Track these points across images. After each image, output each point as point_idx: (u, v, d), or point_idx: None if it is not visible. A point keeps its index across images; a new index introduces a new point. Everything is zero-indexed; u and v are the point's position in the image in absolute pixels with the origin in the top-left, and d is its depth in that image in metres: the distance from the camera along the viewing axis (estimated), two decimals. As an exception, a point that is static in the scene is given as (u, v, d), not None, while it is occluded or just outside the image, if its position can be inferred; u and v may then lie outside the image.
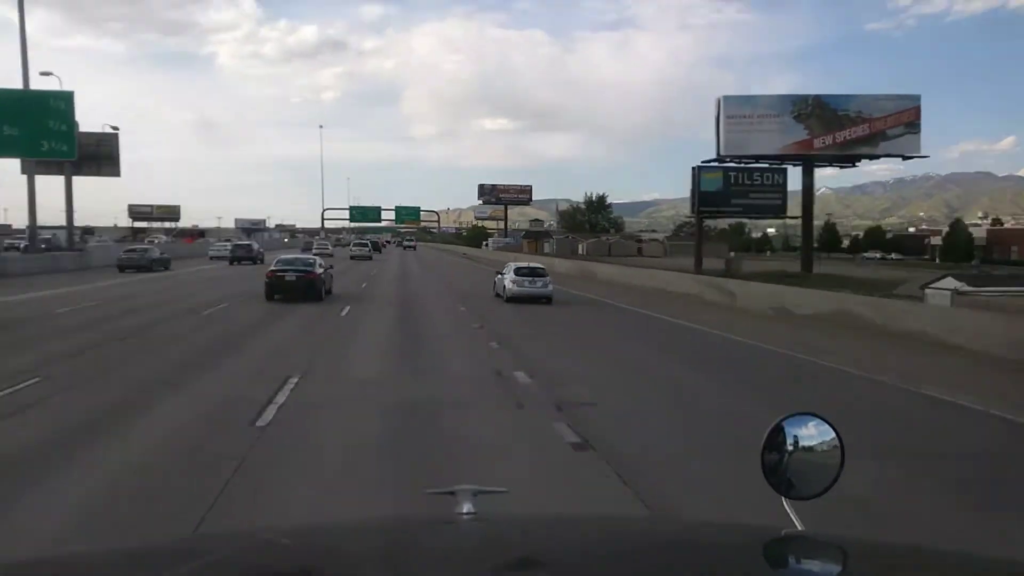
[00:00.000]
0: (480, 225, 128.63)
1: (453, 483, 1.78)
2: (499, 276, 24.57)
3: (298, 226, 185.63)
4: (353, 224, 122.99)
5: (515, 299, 22.31)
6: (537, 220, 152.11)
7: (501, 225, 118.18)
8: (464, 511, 1.69)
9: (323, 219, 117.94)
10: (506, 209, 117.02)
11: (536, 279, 22.85)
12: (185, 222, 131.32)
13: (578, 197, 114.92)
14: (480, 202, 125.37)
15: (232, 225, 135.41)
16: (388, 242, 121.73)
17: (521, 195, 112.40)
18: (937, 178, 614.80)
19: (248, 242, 51.85)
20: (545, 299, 22.47)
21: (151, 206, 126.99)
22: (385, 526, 1.97)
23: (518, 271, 23.37)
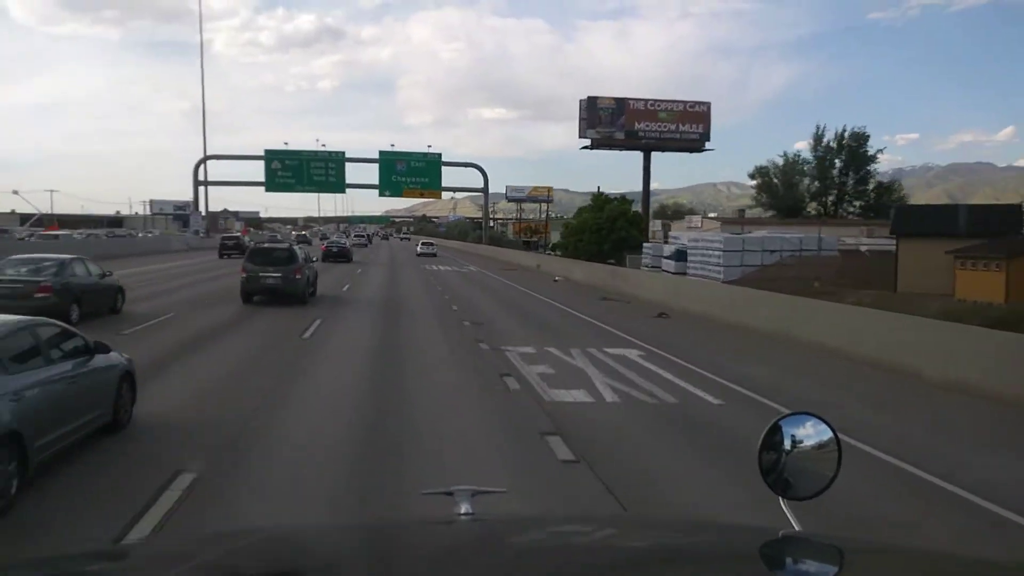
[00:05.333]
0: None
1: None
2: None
3: (290, 216, 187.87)
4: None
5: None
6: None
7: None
8: (462, 512, 1.73)
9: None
10: (519, 207, 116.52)
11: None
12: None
13: (579, 188, 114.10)
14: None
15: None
16: (379, 235, 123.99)
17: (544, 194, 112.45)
18: (937, 168, 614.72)
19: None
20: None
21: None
22: (384, 527, 2.05)
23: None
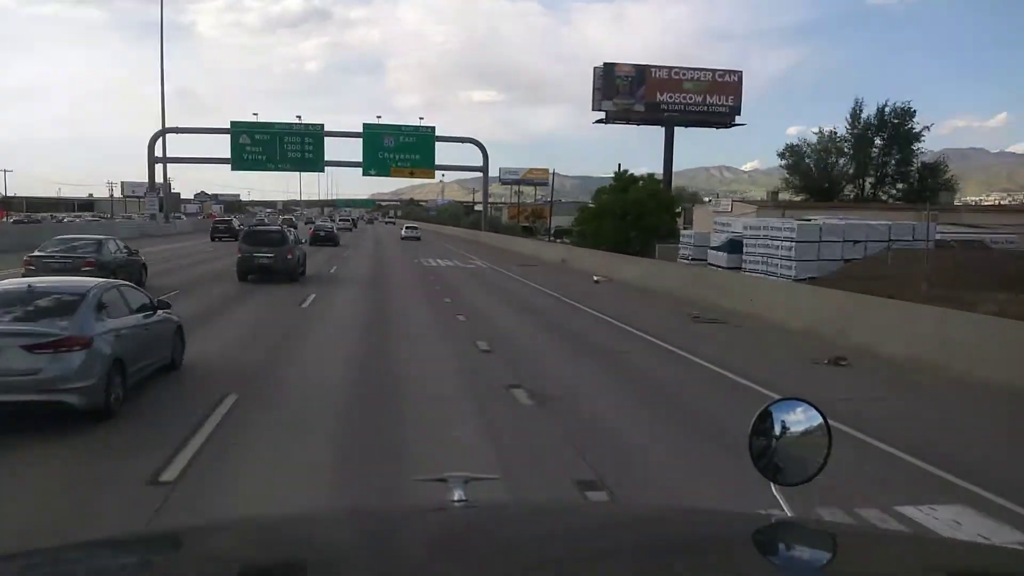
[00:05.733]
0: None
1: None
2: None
3: (270, 200, 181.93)
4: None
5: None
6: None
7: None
8: (455, 498, 1.71)
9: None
10: (519, 190, 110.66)
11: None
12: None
13: (570, 171, 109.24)
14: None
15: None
16: (364, 219, 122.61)
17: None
18: (929, 153, 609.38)
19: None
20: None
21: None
22: (377, 514, 1.99)
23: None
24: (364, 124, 59.92)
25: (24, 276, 12.55)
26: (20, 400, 6.72)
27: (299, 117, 61.03)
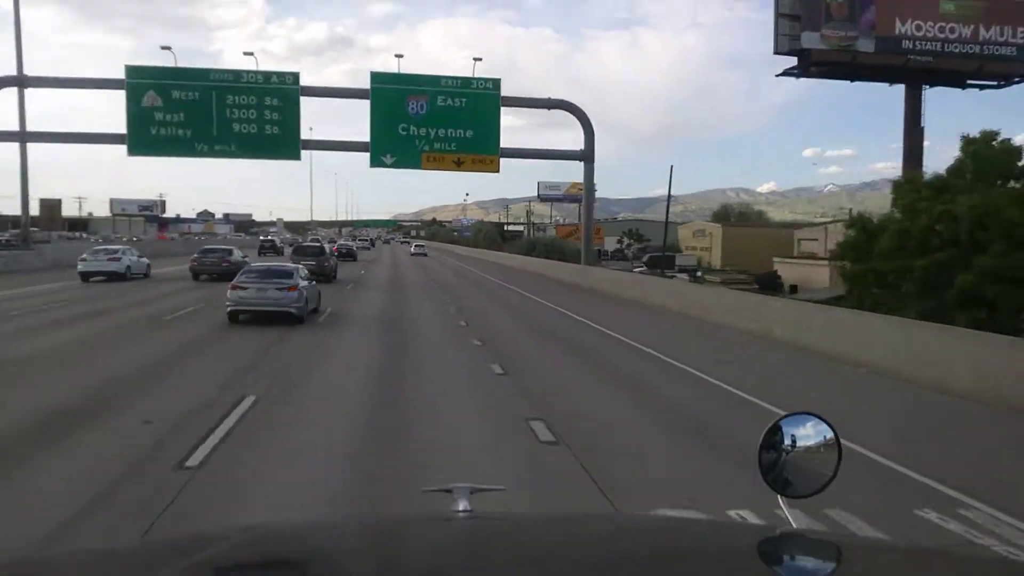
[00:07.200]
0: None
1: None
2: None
3: (286, 219, 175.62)
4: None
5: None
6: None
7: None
8: (461, 509, 1.71)
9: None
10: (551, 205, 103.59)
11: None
12: (171, 213, 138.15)
13: (609, 193, 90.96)
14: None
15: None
16: (381, 239, 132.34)
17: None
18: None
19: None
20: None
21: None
22: (382, 524, 2.01)
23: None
24: (373, 73, 32.88)
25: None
26: (276, 311, 16.21)
27: (254, 59, 34.11)
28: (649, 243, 76.92)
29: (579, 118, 34.42)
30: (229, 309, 16.23)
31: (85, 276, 28.02)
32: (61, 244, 51.28)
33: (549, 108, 34.57)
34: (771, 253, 50.64)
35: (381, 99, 32.75)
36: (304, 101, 33.16)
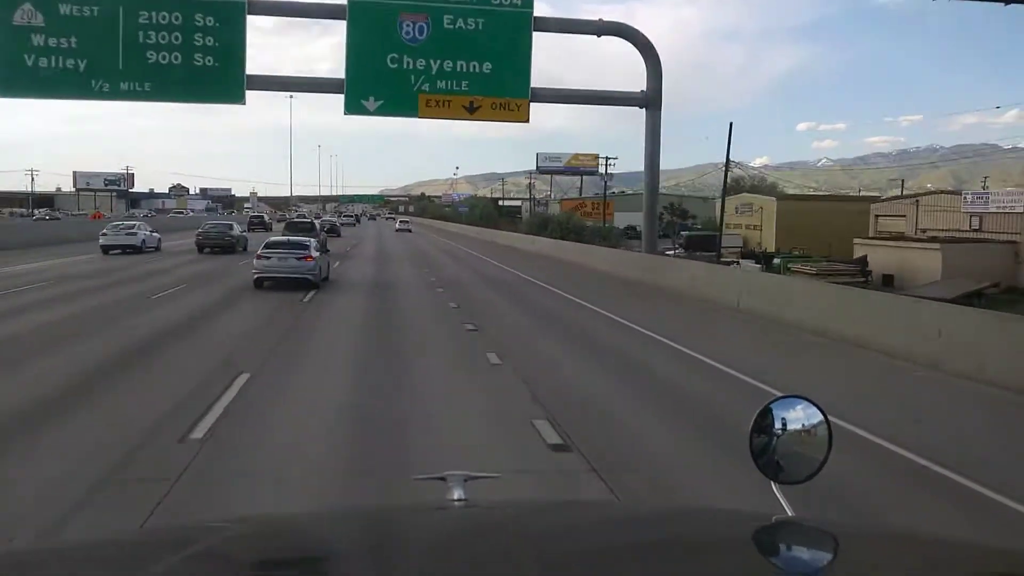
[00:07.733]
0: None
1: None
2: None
3: (267, 194, 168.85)
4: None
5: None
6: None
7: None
8: (455, 497, 1.69)
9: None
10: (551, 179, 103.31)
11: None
12: (142, 188, 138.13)
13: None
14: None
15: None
16: (366, 215, 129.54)
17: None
18: (942, 150, 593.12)
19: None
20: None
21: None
22: (376, 513, 2.02)
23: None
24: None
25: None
26: (295, 277, 18.72)
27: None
28: (694, 220, 67.37)
29: (640, 48, 24.45)
30: (255, 276, 19.20)
31: (105, 249, 31.28)
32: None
33: (599, 35, 24.40)
34: (836, 232, 41.16)
35: (362, 18, 22.74)
36: (253, 22, 23.06)
